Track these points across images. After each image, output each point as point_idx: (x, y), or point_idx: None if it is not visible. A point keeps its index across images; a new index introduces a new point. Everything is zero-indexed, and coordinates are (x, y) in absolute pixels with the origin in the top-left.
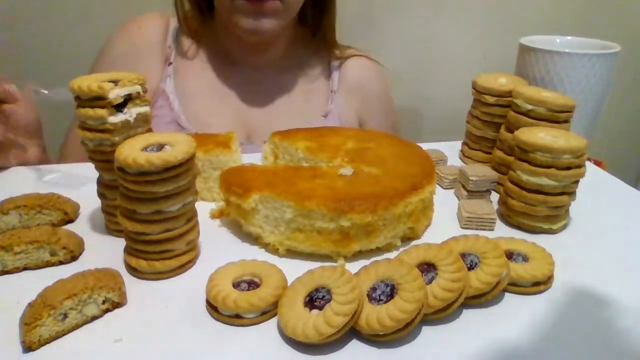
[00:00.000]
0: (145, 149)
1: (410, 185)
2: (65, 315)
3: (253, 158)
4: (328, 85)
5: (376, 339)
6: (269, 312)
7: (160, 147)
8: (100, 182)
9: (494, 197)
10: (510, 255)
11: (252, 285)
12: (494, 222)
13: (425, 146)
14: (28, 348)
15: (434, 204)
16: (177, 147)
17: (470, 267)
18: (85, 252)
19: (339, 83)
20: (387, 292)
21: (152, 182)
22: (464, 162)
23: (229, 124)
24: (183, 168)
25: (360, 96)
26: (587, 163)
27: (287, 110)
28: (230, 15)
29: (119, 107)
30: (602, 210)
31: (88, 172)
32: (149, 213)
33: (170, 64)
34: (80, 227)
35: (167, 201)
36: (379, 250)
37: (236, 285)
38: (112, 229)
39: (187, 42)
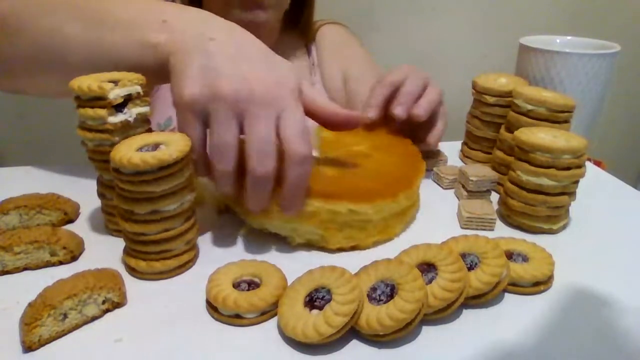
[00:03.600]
0: (140, 148)
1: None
2: (65, 315)
3: None
4: (309, 61)
5: (376, 339)
6: (269, 312)
7: (155, 146)
8: (100, 182)
9: (494, 197)
10: (510, 255)
11: (252, 285)
12: (494, 222)
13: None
14: (28, 348)
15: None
16: (172, 146)
17: (470, 267)
18: (85, 252)
19: (317, 55)
20: (387, 292)
21: (148, 181)
22: (464, 162)
23: None
24: (178, 166)
25: (338, 54)
26: (587, 163)
27: None
28: (224, 10)
29: (119, 107)
30: (602, 210)
31: (88, 172)
32: (146, 213)
33: None
34: (80, 227)
35: (164, 200)
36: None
37: (236, 285)
38: (112, 229)
39: None
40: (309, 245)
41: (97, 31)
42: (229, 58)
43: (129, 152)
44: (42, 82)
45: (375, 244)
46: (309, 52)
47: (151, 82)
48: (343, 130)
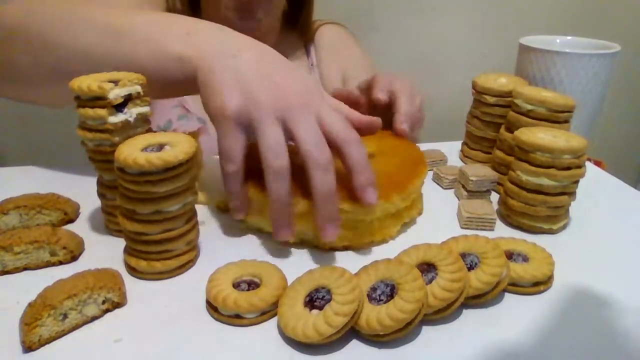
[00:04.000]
0: (145, 149)
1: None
2: (65, 315)
3: None
4: (307, 62)
5: (376, 339)
6: (269, 312)
7: (160, 147)
8: (100, 182)
9: (494, 197)
10: (510, 255)
11: (252, 285)
12: (494, 222)
13: (425, 146)
14: (28, 348)
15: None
16: (177, 147)
17: (470, 267)
18: (85, 252)
19: (316, 55)
20: (387, 292)
21: (152, 182)
22: (464, 162)
23: None
24: (183, 168)
25: (337, 54)
26: (587, 163)
27: None
28: (220, 12)
29: (119, 107)
30: (602, 210)
31: (88, 172)
32: (148, 213)
33: None
34: (80, 227)
35: (167, 201)
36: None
37: (236, 285)
38: (112, 229)
39: None
40: (303, 244)
41: (119, 44)
42: (257, 69)
43: (134, 152)
44: (56, 93)
45: (370, 244)
46: (307, 53)
47: (175, 93)
48: (364, 135)
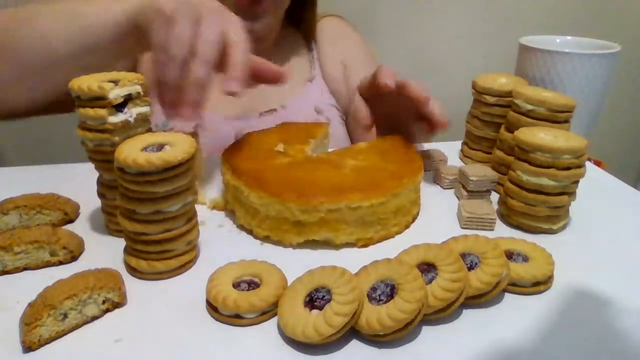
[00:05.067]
0: (145, 149)
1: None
2: (65, 315)
3: None
4: (309, 55)
5: (376, 339)
6: (269, 312)
7: (160, 147)
8: (100, 182)
9: (494, 197)
10: (510, 255)
11: (252, 285)
12: (494, 222)
13: (425, 146)
14: (28, 348)
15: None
16: (177, 147)
17: (470, 267)
18: (85, 252)
19: (316, 49)
20: (387, 292)
21: (152, 182)
22: (464, 162)
23: (226, 104)
24: (183, 168)
25: (337, 46)
26: (587, 163)
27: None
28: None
29: (119, 107)
30: (602, 210)
31: (88, 172)
32: (148, 213)
33: None
34: (80, 227)
35: (167, 201)
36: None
37: (236, 285)
38: (112, 229)
39: None
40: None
41: (73, 23)
42: None
43: (133, 152)
44: (23, 93)
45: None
46: (309, 47)
47: (131, 48)
48: (269, 82)
